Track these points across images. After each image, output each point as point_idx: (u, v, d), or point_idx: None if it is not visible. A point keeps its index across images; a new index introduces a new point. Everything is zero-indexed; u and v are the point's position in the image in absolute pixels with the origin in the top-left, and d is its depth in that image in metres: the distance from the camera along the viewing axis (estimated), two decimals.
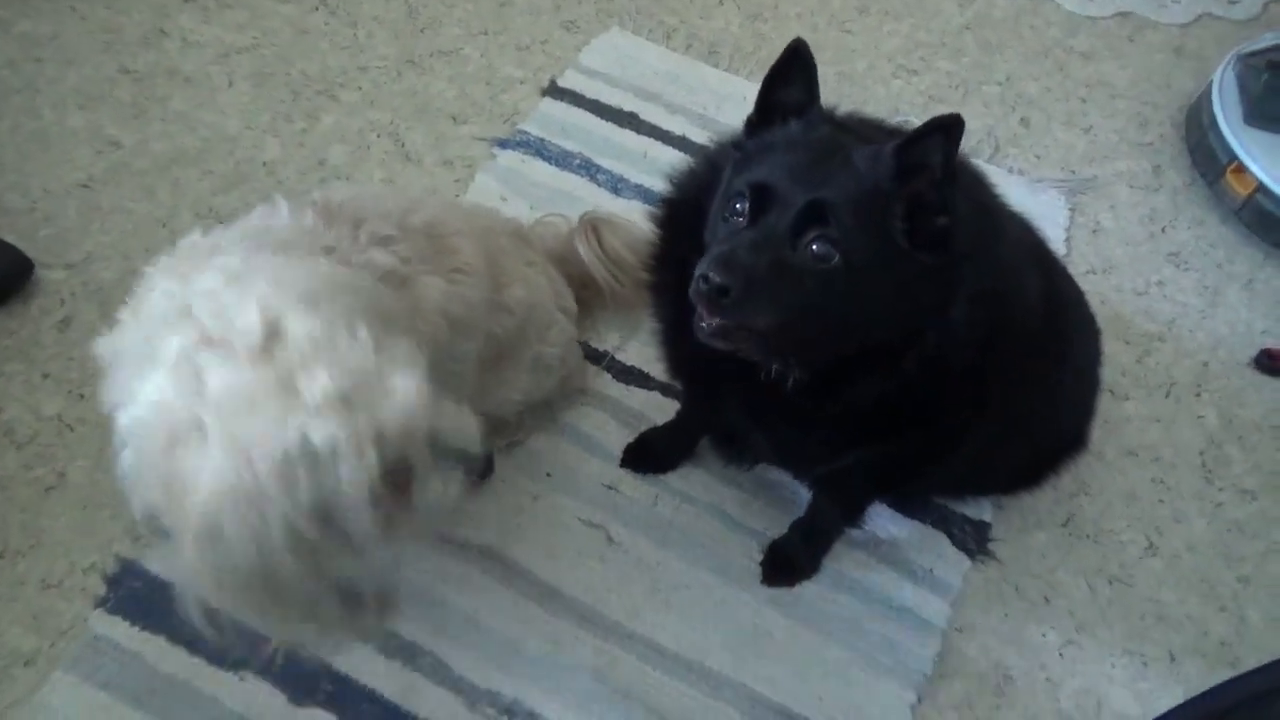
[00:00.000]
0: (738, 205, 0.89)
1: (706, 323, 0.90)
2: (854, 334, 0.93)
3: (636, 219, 1.43)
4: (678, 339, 1.11)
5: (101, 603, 1.24)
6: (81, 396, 1.40)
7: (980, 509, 1.45)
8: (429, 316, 1.01)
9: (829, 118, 0.96)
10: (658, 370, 1.49)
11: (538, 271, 1.32)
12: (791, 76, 0.92)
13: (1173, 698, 1.32)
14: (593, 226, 1.46)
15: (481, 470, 0.78)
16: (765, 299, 0.86)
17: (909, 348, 0.92)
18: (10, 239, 1.50)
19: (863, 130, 0.99)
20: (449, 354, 1.08)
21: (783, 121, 0.94)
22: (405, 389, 0.73)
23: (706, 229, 0.96)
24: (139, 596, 1.24)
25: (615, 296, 1.49)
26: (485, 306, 1.15)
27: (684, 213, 1.03)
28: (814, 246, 0.86)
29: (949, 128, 0.82)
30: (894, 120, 1.97)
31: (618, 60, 1.95)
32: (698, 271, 0.86)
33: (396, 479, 0.74)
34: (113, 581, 1.25)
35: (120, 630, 1.22)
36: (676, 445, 1.45)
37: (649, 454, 1.45)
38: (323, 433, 0.69)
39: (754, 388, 1.01)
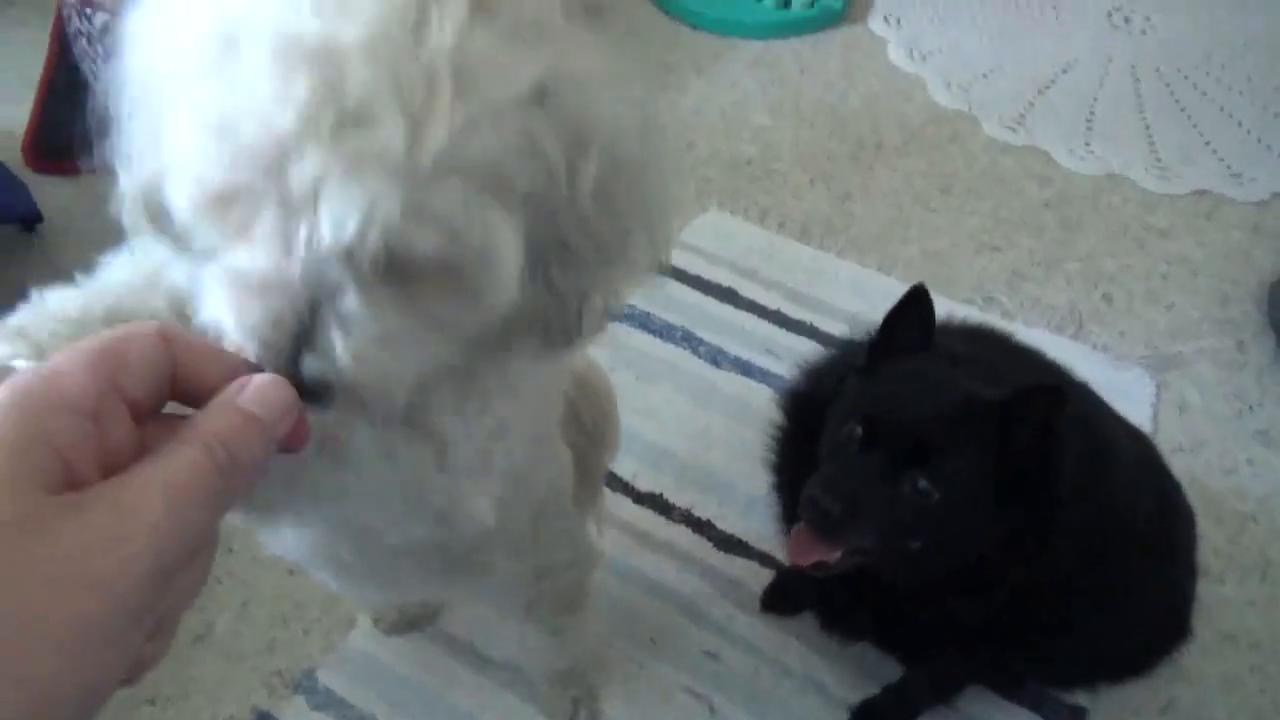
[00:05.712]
0: (853, 431, 0.99)
1: (798, 560, 0.99)
2: (956, 559, 1.01)
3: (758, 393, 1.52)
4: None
5: None
6: (230, 550, 1.53)
7: (1074, 694, 1.47)
8: None
9: (947, 352, 1.04)
10: (756, 539, 1.56)
11: None
12: (910, 318, 1.03)
13: None
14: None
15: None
16: (867, 524, 0.96)
17: (1013, 566, 0.99)
18: None
19: (984, 353, 1.07)
20: None
21: (903, 352, 1.04)
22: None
23: (824, 435, 1.05)
24: None
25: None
26: None
27: (809, 410, 1.13)
28: (919, 483, 0.94)
29: (1049, 401, 0.91)
30: (979, 299, 2.04)
31: (716, 238, 2.10)
32: (805, 491, 0.96)
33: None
34: None
35: None
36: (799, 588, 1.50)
37: (786, 595, 1.50)
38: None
39: (864, 585, 1.09)
